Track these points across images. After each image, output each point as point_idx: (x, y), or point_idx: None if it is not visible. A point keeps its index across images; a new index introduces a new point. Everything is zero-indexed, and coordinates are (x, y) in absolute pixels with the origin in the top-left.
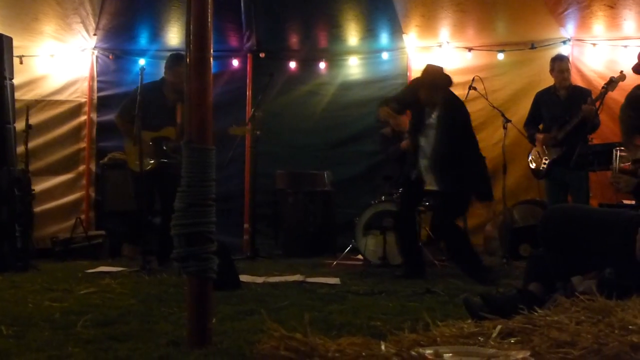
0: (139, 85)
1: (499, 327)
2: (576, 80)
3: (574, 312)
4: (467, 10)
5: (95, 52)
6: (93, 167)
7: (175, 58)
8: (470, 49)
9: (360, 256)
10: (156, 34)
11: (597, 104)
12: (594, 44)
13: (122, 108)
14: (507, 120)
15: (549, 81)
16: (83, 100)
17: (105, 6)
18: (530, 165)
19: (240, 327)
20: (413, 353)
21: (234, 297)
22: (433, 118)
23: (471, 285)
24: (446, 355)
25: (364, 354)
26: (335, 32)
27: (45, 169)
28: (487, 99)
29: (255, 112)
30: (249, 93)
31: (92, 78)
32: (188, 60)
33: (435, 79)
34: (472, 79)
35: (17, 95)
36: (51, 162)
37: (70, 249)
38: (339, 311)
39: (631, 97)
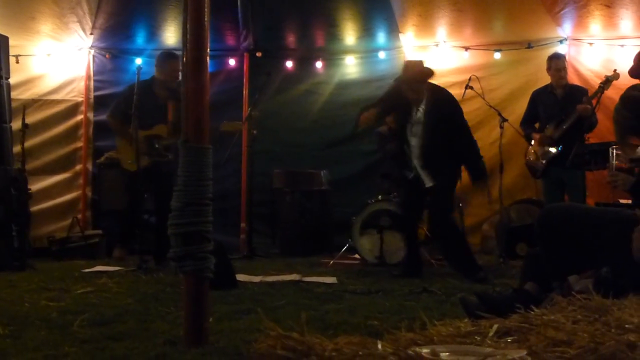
0: (130, 84)
1: (495, 326)
2: (573, 79)
3: (570, 311)
4: (464, 10)
5: (92, 51)
6: (90, 166)
7: (165, 55)
8: (467, 48)
9: (357, 255)
10: (153, 33)
11: (594, 102)
12: (591, 43)
13: (114, 107)
14: (504, 120)
15: (545, 80)
16: (80, 99)
17: (102, 5)
18: (527, 164)
19: (237, 326)
20: (410, 352)
21: (230, 297)
22: (420, 112)
23: (468, 284)
24: (443, 355)
25: (360, 353)
26: (332, 31)
27: (41, 168)
28: (483, 98)
29: (252, 111)
30: (245, 92)
31: (88, 77)
32: (185, 59)
33: (416, 73)
34: (468, 78)
35: (14, 94)
36: (48, 162)
37: (67, 249)
38: (335, 310)
39: (626, 98)
